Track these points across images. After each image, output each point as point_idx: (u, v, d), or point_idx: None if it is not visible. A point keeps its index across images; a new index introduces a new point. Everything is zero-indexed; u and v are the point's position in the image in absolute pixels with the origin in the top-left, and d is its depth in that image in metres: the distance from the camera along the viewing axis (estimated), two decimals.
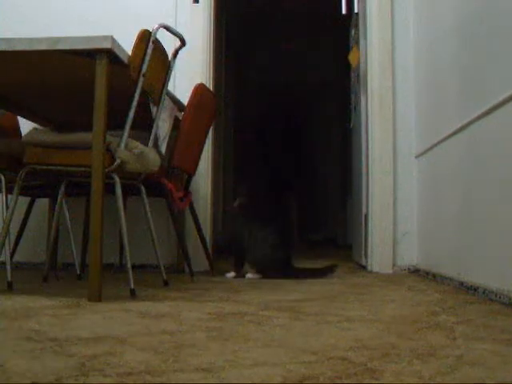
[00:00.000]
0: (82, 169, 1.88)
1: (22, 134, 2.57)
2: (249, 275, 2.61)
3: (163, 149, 2.23)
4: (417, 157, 2.98)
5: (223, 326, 1.29)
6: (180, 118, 2.56)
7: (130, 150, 1.90)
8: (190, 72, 3.08)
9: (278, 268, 2.59)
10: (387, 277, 2.72)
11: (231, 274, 2.64)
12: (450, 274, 2.29)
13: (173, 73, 2.28)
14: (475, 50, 2.03)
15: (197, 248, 2.93)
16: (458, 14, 2.25)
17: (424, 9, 2.89)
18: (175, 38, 2.22)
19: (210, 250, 2.95)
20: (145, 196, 2.14)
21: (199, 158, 2.79)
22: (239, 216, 2.71)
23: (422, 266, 2.85)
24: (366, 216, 3.15)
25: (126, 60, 1.82)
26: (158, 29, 1.97)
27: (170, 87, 2.42)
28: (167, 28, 2.11)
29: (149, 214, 2.15)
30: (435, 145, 2.57)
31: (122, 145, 1.86)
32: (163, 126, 2.23)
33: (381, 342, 1.12)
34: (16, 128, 2.79)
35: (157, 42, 1.98)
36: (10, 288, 1.90)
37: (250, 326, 1.31)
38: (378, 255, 3.00)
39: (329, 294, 1.99)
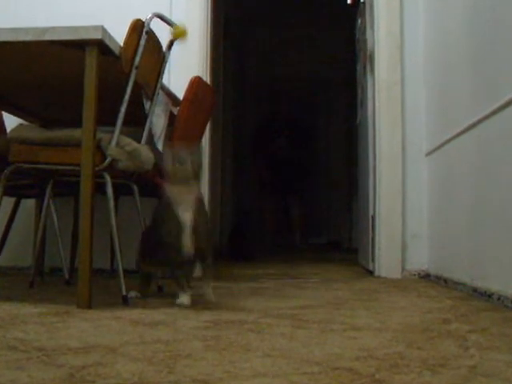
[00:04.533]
0: (71, 167, 1.88)
1: (7, 131, 2.57)
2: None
3: (160, 146, 2.22)
4: (427, 155, 2.97)
5: (221, 335, 1.29)
6: (175, 113, 2.56)
7: (121, 147, 1.90)
8: (186, 64, 3.07)
9: None
10: (395, 282, 2.72)
11: None
12: (462, 279, 2.29)
13: (167, 65, 2.28)
14: (488, 44, 2.03)
15: None
16: (470, 6, 2.25)
17: None
18: (170, 28, 2.22)
19: None
20: (138, 196, 2.14)
21: None
22: None
23: (433, 270, 2.85)
24: (373, 218, 3.15)
25: (117, 52, 1.82)
26: (151, 18, 1.97)
27: (165, 80, 2.41)
28: (161, 17, 2.10)
29: (142, 216, 2.15)
30: (447, 142, 2.57)
31: (114, 142, 1.86)
32: (158, 121, 2.22)
33: (389, 352, 1.11)
34: (0, 124, 2.78)
35: (150, 33, 1.98)
36: None
37: (250, 334, 1.30)
38: (386, 259, 3.00)
39: (333, 300, 1.99)
